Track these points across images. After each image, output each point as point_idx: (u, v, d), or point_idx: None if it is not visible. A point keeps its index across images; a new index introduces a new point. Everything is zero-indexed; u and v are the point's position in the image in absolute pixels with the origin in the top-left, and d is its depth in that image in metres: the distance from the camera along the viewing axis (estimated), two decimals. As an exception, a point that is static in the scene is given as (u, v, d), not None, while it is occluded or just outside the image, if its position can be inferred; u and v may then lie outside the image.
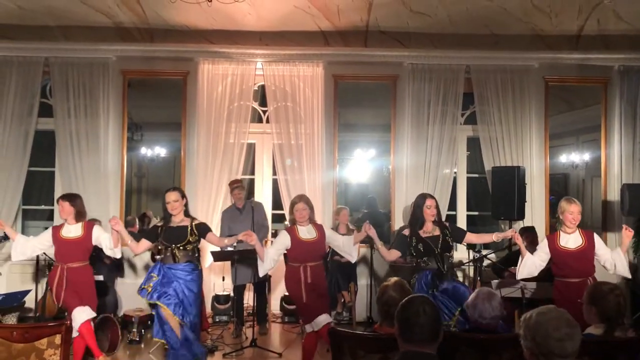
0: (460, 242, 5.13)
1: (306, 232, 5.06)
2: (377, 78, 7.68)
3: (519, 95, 7.44)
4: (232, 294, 6.84)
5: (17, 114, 7.21)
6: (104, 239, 5.12)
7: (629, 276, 4.91)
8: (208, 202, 7.29)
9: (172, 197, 5.08)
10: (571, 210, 4.66)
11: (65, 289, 4.95)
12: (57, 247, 5.08)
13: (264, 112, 7.66)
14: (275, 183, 7.64)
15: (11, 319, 5.98)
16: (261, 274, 5.34)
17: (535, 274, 4.90)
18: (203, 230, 5.17)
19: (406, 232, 4.96)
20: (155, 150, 10.86)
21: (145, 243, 5.17)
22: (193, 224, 5.14)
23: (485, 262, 6.73)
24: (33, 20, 6.97)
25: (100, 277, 6.10)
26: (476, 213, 8.11)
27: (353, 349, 2.99)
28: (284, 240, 5.04)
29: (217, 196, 7.30)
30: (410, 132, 7.47)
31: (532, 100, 7.45)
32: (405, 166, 7.48)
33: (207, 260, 6.84)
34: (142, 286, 5.06)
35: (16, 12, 6.77)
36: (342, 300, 6.91)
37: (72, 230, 5.10)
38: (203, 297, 6.68)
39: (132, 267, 7.25)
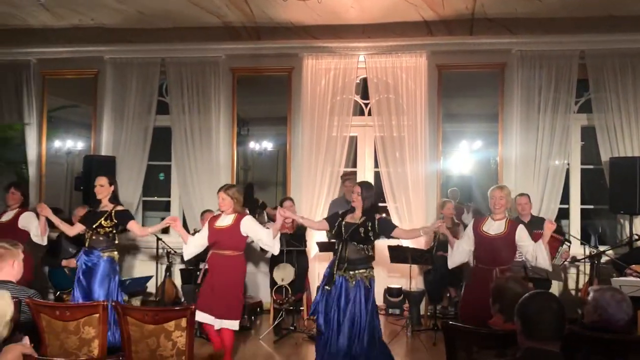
0: (388, 236, 4.90)
1: (223, 220, 5.06)
2: (484, 67, 7.44)
3: (640, 80, 6.92)
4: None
5: (138, 112, 7.76)
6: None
7: (550, 269, 5.00)
8: (312, 194, 7.44)
9: (99, 181, 5.30)
10: (491, 195, 4.80)
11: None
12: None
13: (366, 104, 7.68)
14: (377, 176, 7.65)
15: (135, 302, 6.49)
16: (185, 257, 5.36)
17: (466, 259, 4.93)
18: (123, 217, 5.26)
19: (343, 212, 4.95)
20: (262, 145, 11.24)
21: (79, 226, 5.42)
22: (114, 210, 5.25)
23: (603, 260, 6.35)
24: (150, 24, 7.46)
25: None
26: (592, 207, 7.66)
27: (467, 344, 2.95)
28: (204, 227, 5.15)
29: (321, 188, 7.43)
30: (519, 122, 7.19)
31: (655, 84, 6.90)
32: (514, 157, 7.21)
33: (312, 250, 7.02)
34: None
35: (136, 17, 7.27)
36: (448, 295, 6.81)
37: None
38: (309, 285, 6.89)
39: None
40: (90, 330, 3.35)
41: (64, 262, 6.23)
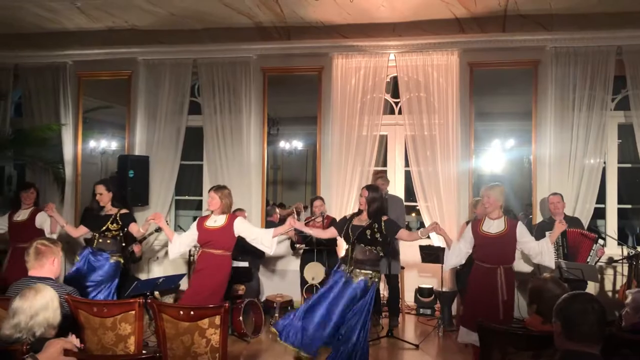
0: (394, 237, 4.96)
1: (214, 221, 5.13)
2: (517, 64, 7.33)
3: (681, 76, 6.73)
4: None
5: (170, 112, 7.87)
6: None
7: (553, 266, 5.02)
8: (342, 194, 7.44)
9: (98, 189, 5.57)
10: (482, 194, 4.87)
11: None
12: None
13: (396, 103, 7.64)
14: (407, 174, 7.60)
15: (168, 300, 6.58)
16: (170, 256, 5.44)
17: (463, 261, 4.97)
18: (126, 220, 5.54)
19: (350, 215, 5.08)
20: (292, 144, 11.29)
21: (82, 228, 5.75)
22: (118, 213, 5.51)
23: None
24: (182, 25, 7.54)
25: (245, 264, 6.50)
26: (629, 206, 7.47)
27: (503, 345, 2.91)
28: (192, 226, 5.23)
29: (351, 187, 7.42)
30: (553, 119, 7.07)
31: (696, 80, 6.70)
32: (548, 156, 7.09)
33: (342, 248, 7.00)
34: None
35: (168, 19, 7.36)
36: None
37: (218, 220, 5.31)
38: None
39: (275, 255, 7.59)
40: (126, 327, 3.41)
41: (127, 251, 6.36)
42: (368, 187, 4.94)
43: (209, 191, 5.31)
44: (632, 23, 6.72)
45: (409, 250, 6.81)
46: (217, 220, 5.18)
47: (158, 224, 5.34)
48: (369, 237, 4.76)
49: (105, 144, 9.40)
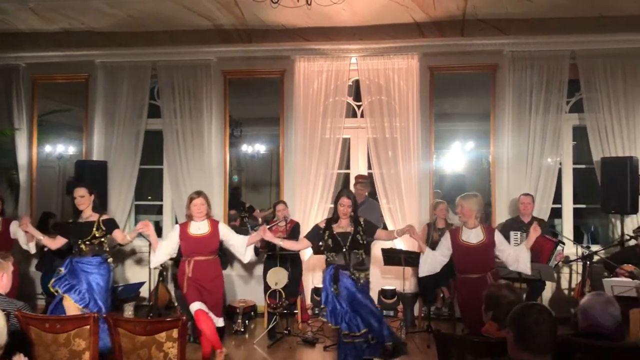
0: (372, 238, 5.13)
1: (197, 228, 5.13)
2: (475, 68, 7.45)
3: (631, 80, 6.97)
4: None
5: (129, 116, 7.72)
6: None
7: (530, 272, 5.02)
8: (306, 197, 7.43)
9: (79, 192, 5.29)
10: (458, 204, 4.89)
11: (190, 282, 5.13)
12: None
13: (359, 106, 7.68)
14: (370, 177, 7.64)
15: (129, 308, 6.46)
16: (152, 265, 5.44)
17: (438, 269, 4.99)
18: (110, 226, 5.33)
19: (322, 224, 5.09)
20: (255, 148, 11.21)
21: (60, 239, 5.49)
22: (100, 219, 5.31)
23: (595, 259, 6.38)
24: (141, 27, 7.40)
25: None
26: (584, 206, 7.69)
27: (461, 352, 2.95)
28: (173, 235, 5.20)
29: (315, 190, 7.41)
30: (511, 122, 7.23)
31: (646, 85, 6.94)
32: (506, 157, 7.25)
33: (306, 254, 6.99)
34: (53, 279, 5.23)
35: (126, 21, 7.21)
36: (442, 296, 6.81)
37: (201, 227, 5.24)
38: (303, 289, 6.90)
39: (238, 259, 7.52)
40: (80, 342, 3.34)
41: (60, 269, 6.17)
42: (348, 196, 5.03)
43: (194, 198, 5.22)
44: (585, 28, 6.91)
45: (372, 252, 6.84)
46: (200, 227, 5.17)
47: (147, 232, 5.18)
48: (360, 242, 4.93)
49: (62, 148, 9.13)
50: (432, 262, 4.96)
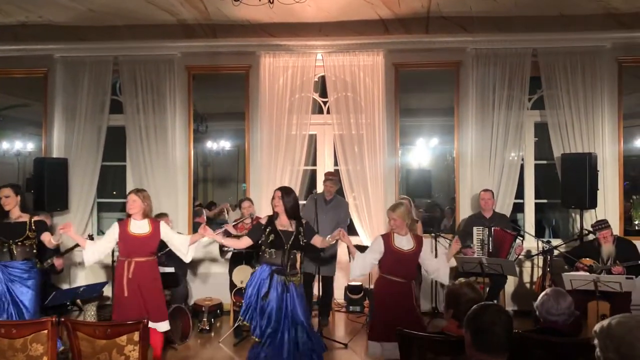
0: (309, 242, 5.10)
1: (138, 227, 5.05)
2: (440, 65, 7.52)
3: (590, 78, 7.12)
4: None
5: (90, 112, 7.54)
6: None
7: (447, 282, 4.98)
8: (272, 194, 7.33)
9: (3, 192, 5.21)
10: (389, 217, 4.92)
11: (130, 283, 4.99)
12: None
13: (325, 103, 7.67)
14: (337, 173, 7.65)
15: (91, 308, 6.32)
16: (86, 264, 5.22)
17: (368, 272, 5.14)
18: (41, 227, 5.26)
19: (263, 220, 5.06)
20: (220, 144, 11.11)
21: None
22: (32, 220, 5.25)
23: (555, 253, 6.53)
24: (102, 21, 7.23)
25: (171, 269, 6.35)
26: (545, 201, 7.86)
27: (422, 350, 2.98)
28: (112, 232, 5.05)
29: (281, 187, 7.38)
30: (474, 118, 7.32)
31: (604, 83, 7.12)
32: (470, 153, 7.34)
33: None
34: None
35: (87, 14, 7.02)
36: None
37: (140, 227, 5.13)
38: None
39: (204, 258, 7.46)
40: (38, 347, 3.25)
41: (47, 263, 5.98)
42: (280, 189, 5.01)
43: (129, 194, 5.13)
44: (546, 26, 7.04)
45: (339, 248, 6.86)
46: (141, 227, 5.04)
47: (68, 234, 5.02)
48: (301, 244, 4.88)
49: (21, 144, 8.89)
50: (363, 265, 4.96)
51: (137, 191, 5.13)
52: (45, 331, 3.27)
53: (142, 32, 7.37)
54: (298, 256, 4.92)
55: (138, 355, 3.27)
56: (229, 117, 10.30)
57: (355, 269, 4.95)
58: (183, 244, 5.16)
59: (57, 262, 5.94)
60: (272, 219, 4.99)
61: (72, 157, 7.49)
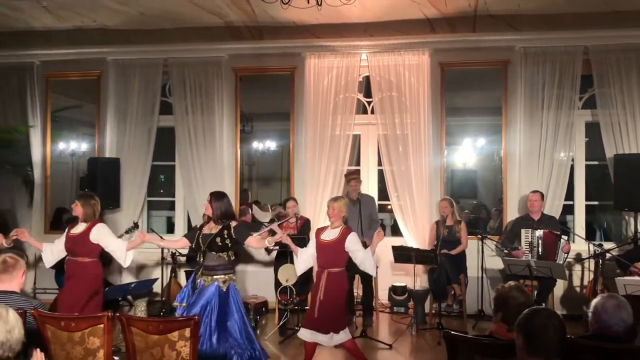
0: (242, 243, 5.08)
1: (76, 228, 5.25)
2: (487, 64, 7.42)
3: (645, 76, 6.88)
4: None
5: (141, 113, 7.77)
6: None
7: (374, 274, 5.58)
8: (316, 193, 7.44)
9: None
10: (329, 205, 5.10)
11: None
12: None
13: (369, 103, 7.67)
14: (380, 173, 7.65)
15: (141, 304, 6.52)
16: (47, 265, 5.46)
17: (311, 264, 5.21)
18: None
19: (199, 224, 5.16)
20: (265, 144, 11.24)
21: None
22: None
23: (607, 257, 6.34)
24: (152, 25, 7.45)
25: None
26: (596, 203, 7.64)
27: (469, 353, 2.96)
28: (63, 235, 5.31)
29: (325, 187, 7.43)
30: (523, 117, 7.19)
31: (660, 80, 6.86)
32: (517, 153, 7.22)
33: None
34: None
35: (138, 18, 7.26)
36: (453, 293, 6.81)
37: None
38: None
39: (249, 256, 7.56)
40: (95, 341, 3.38)
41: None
42: (211, 194, 5.05)
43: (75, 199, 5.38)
44: (598, 23, 6.85)
45: (383, 249, 6.86)
46: (78, 228, 5.29)
47: (23, 239, 5.26)
48: (220, 244, 4.83)
49: (75, 145, 9.22)
50: (306, 259, 5.14)
51: (79, 197, 5.39)
52: (102, 325, 3.40)
53: (191, 35, 7.56)
54: (219, 257, 4.83)
55: (189, 350, 3.37)
56: (274, 118, 10.40)
57: (299, 264, 5.18)
58: (119, 249, 5.27)
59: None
60: (204, 223, 5.08)
61: (124, 157, 7.74)
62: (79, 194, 5.56)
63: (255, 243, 5.11)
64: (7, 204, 7.87)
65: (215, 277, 4.77)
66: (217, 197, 4.95)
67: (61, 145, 8.85)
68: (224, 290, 4.75)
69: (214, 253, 4.81)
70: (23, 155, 7.86)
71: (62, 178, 9.07)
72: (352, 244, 5.01)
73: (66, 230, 5.31)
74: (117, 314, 3.47)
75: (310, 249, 5.15)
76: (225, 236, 4.83)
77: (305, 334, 4.93)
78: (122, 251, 5.26)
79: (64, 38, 7.73)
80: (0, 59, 7.97)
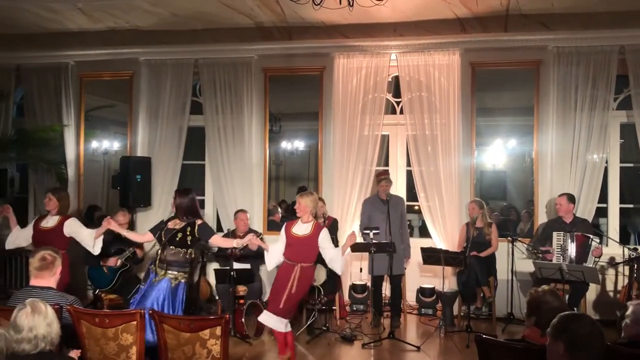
0: (206, 242, 5.19)
1: (46, 222, 5.51)
2: (518, 64, 7.31)
3: (684, 76, 6.70)
4: (368, 284, 6.98)
5: (172, 112, 7.88)
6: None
7: (340, 273, 5.55)
8: (344, 193, 7.45)
9: None
10: (297, 201, 5.23)
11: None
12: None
13: (398, 103, 7.63)
14: (409, 174, 7.60)
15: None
16: (6, 246, 5.66)
17: (282, 259, 5.24)
18: None
19: (166, 219, 5.22)
20: (294, 144, 11.28)
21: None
22: None
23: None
24: (184, 25, 7.54)
25: (247, 265, 6.55)
26: (631, 206, 7.47)
27: (502, 358, 2.93)
28: (29, 226, 5.60)
29: (353, 187, 7.42)
30: (555, 118, 7.07)
31: (699, 80, 6.67)
32: (549, 155, 7.10)
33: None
34: None
35: (169, 19, 7.35)
36: (482, 295, 6.74)
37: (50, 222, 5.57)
38: (341, 286, 6.93)
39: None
40: (128, 337, 3.45)
41: (102, 262, 6.38)
42: (177, 191, 5.19)
43: (46, 193, 5.63)
44: (634, 22, 6.69)
45: (412, 250, 6.84)
46: (49, 222, 5.47)
47: (7, 214, 5.53)
48: (179, 240, 4.84)
49: (108, 144, 9.38)
50: (276, 255, 5.24)
51: (54, 191, 5.60)
52: (135, 322, 3.46)
53: (221, 36, 7.63)
54: (179, 253, 4.83)
55: (220, 349, 3.40)
56: (302, 117, 10.42)
57: (269, 260, 5.28)
58: (88, 237, 5.47)
59: (109, 262, 6.35)
60: (171, 218, 5.12)
61: (155, 155, 7.86)
62: (53, 188, 5.78)
63: (221, 242, 5.27)
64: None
65: (169, 272, 4.80)
66: (182, 193, 5.03)
67: (94, 144, 9.03)
68: (173, 286, 4.78)
69: (173, 247, 4.84)
70: (58, 154, 8.05)
71: (95, 176, 9.23)
72: (324, 240, 5.13)
73: (33, 222, 5.56)
74: (150, 311, 3.53)
75: (280, 244, 5.24)
76: (188, 233, 4.87)
77: (267, 319, 5.15)
78: (90, 239, 5.47)
79: (98, 39, 7.88)
80: (36, 60, 8.17)
